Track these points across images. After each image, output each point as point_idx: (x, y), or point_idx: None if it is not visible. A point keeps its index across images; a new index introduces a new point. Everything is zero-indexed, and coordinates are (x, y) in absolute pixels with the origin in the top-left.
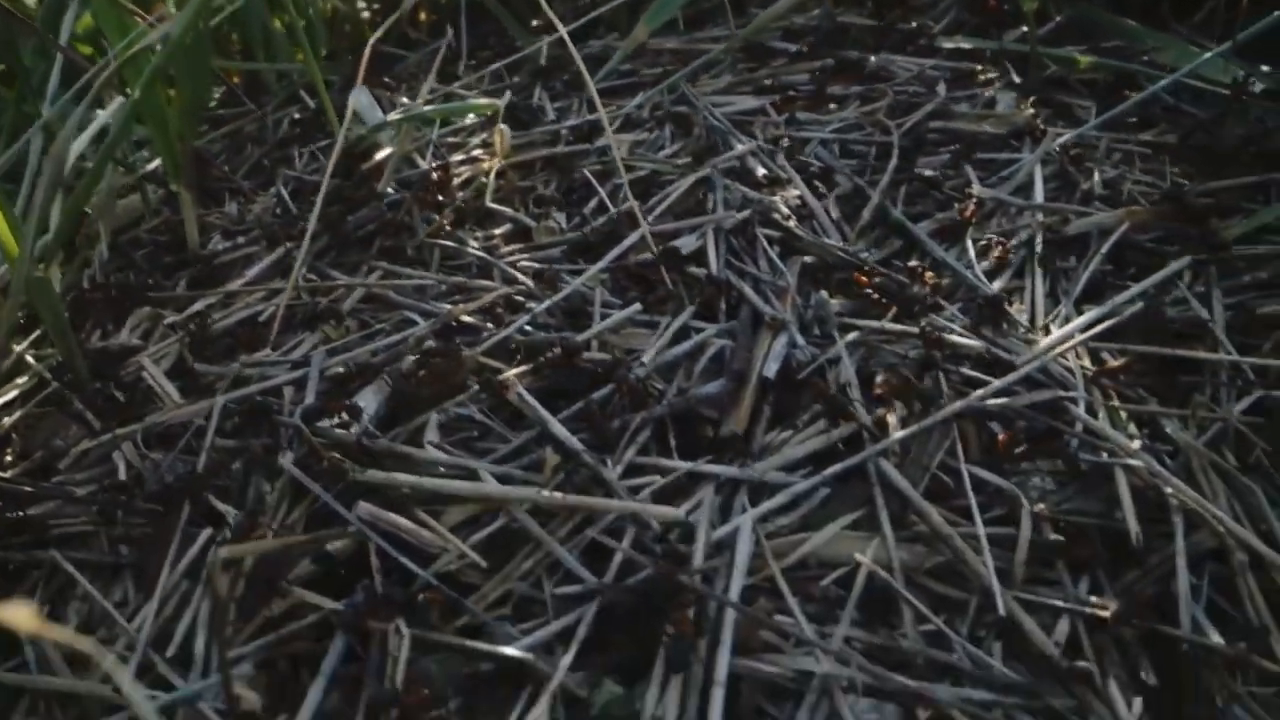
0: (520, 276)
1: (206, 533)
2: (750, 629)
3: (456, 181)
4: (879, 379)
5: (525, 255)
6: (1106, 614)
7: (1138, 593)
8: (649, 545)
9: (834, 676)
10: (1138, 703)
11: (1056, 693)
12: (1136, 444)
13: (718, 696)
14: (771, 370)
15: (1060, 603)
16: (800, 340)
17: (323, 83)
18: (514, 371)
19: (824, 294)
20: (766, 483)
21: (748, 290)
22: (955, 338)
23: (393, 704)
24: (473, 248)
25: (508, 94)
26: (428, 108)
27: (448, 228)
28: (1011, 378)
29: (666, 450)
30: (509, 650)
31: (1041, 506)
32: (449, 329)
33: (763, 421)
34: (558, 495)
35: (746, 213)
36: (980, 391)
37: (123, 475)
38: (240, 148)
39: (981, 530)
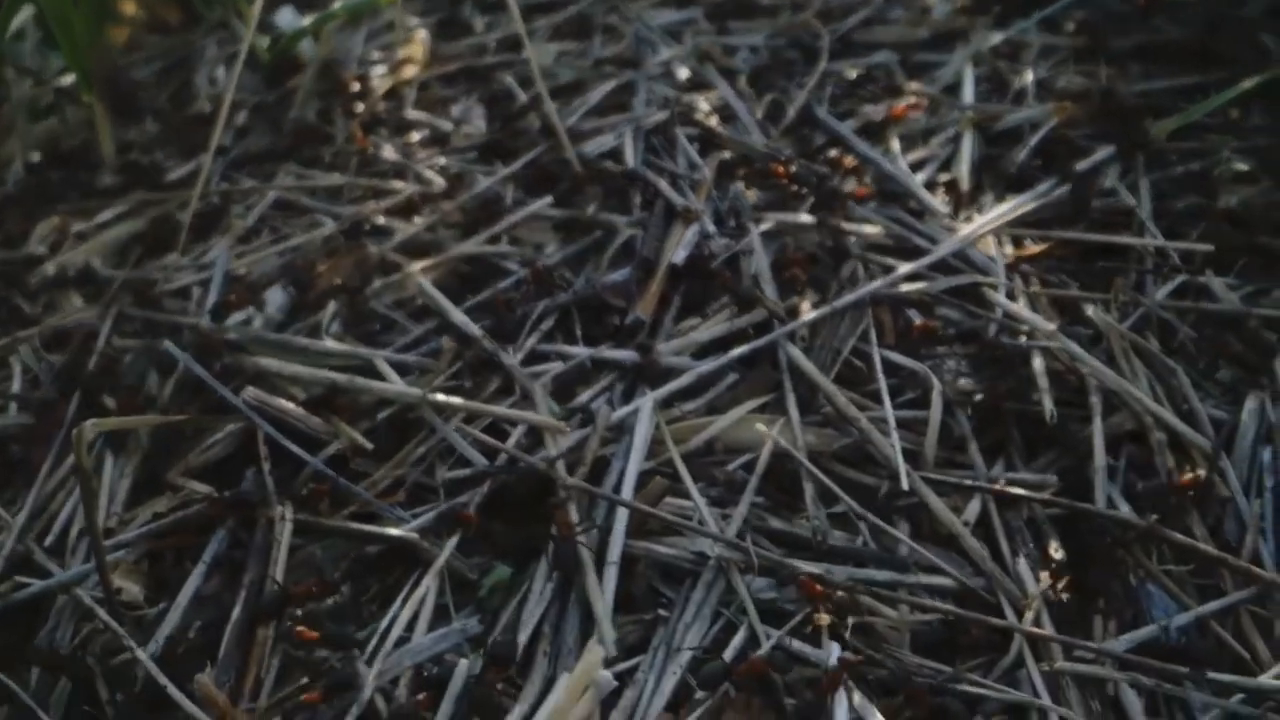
0: (433, 177)
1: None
2: (645, 513)
3: (377, 91)
4: (790, 267)
5: (442, 158)
6: (1019, 492)
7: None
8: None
9: (730, 557)
10: (1044, 577)
11: (964, 571)
12: (1054, 326)
13: (609, 576)
14: (680, 257)
15: (970, 482)
16: (713, 230)
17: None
18: (419, 265)
19: (740, 186)
20: (671, 367)
21: (662, 184)
22: (867, 227)
23: (278, 592)
24: (389, 152)
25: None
26: (337, 4)
27: (366, 134)
28: (925, 261)
29: (572, 338)
30: (396, 532)
31: (954, 389)
32: (358, 228)
33: (672, 309)
34: (439, 396)
35: (667, 113)
36: (892, 275)
37: (18, 377)
38: (167, 69)
39: (890, 413)
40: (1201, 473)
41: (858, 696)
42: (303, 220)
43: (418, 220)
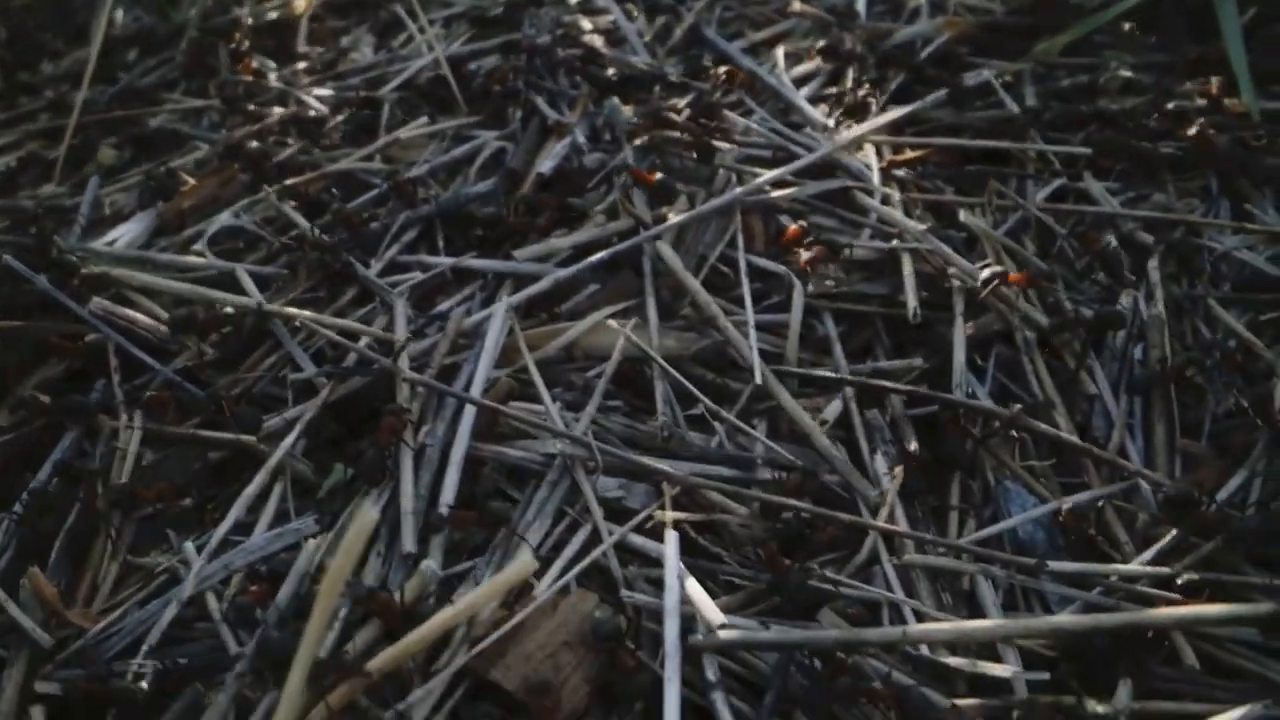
0: (314, 103)
1: None
2: (493, 416)
3: (268, 24)
4: (659, 174)
5: (326, 87)
6: (878, 382)
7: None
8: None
9: (575, 454)
10: (899, 471)
11: (819, 470)
12: (924, 227)
13: (451, 477)
14: (547, 168)
15: (830, 373)
16: (585, 144)
17: None
18: (286, 183)
19: (616, 101)
20: (530, 274)
21: (540, 102)
22: (743, 138)
23: (124, 495)
24: (274, 81)
25: None
26: None
27: (253, 65)
28: (795, 166)
29: (435, 249)
30: (239, 437)
31: (819, 292)
32: (232, 152)
33: (539, 221)
34: (275, 306)
35: (550, 35)
36: (760, 179)
37: None
38: (65, 14)
39: (751, 315)
40: None
41: (693, 583)
42: (182, 148)
43: (292, 143)
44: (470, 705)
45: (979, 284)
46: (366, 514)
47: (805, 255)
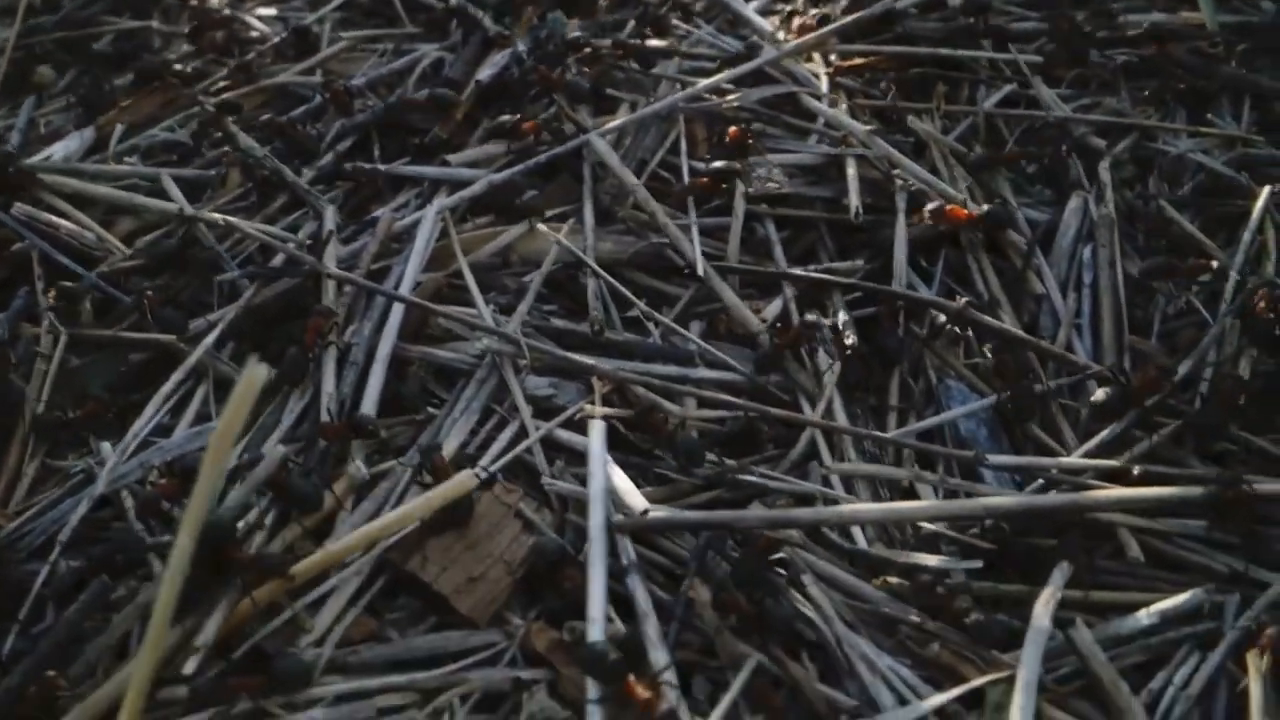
0: (256, 24)
1: None
2: (422, 317)
3: None
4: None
5: (270, 7)
6: (819, 276)
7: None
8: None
9: (504, 352)
10: (836, 366)
11: (761, 368)
12: (869, 127)
13: (376, 376)
14: (485, 76)
15: (772, 269)
16: (526, 55)
17: None
18: (222, 98)
19: (560, 14)
20: (464, 180)
21: (482, 15)
22: (691, 48)
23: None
24: (217, 4)
25: None
26: None
27: None
28: (739, 71)
29: (371, 158)
30: (158, 337)
31: (762, 194)
32: (170, 69)
33: (479, 131)
34: (204, 212)
35: None
36: (702, 84)
37: None
38: None
39: (694, 219)
40: None
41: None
42: (123, 70)
43: (232, 62)
44: (388, 599)
45: (926, 215)
46: (254, 371)
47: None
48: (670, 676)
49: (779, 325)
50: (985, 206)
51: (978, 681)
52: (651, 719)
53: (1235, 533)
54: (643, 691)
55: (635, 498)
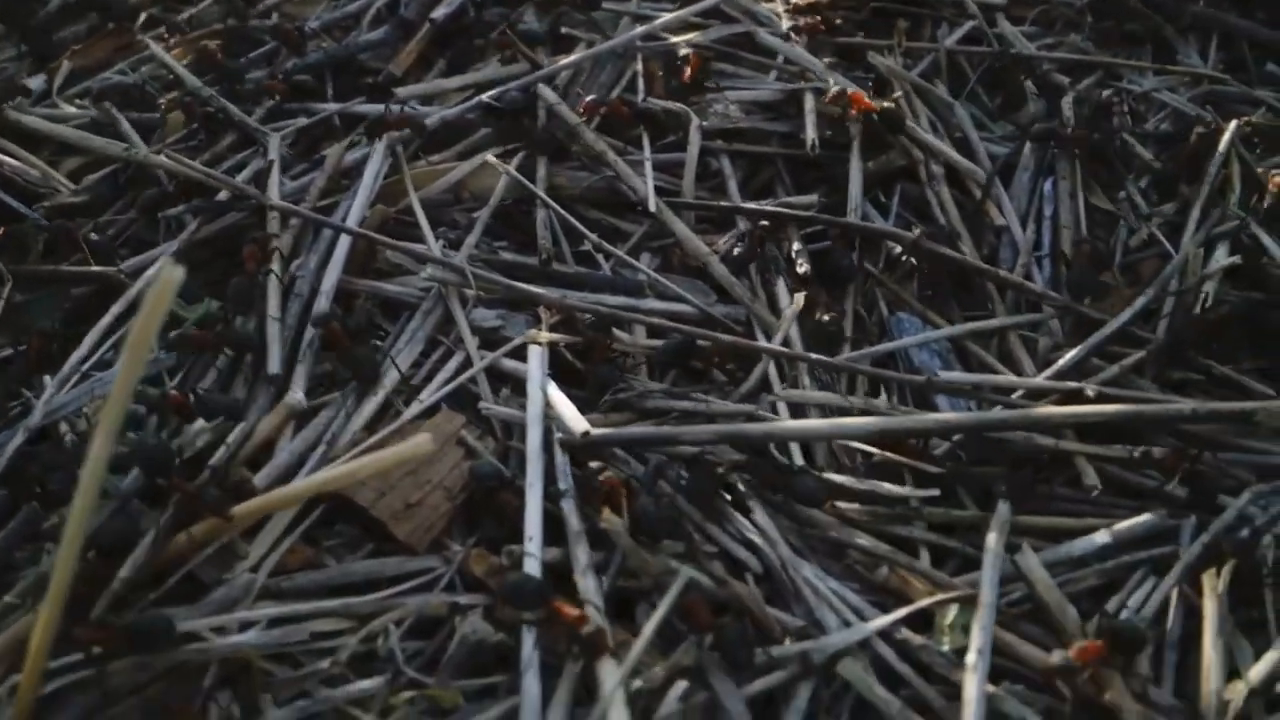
0: None
1: None
2: (369, 250)
3: None
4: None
5: None
6: (776, 210)
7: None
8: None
9: (450, 282)
10: (799, 298)
11: (708, 300)
12: (828, 60)
13: (320, 306)
14: (441, 14)
15: (726, 203)
16: None
17: None
18: (175, 39)
19: None
20: (415, 116)
21: None
22: None
23: None
24: None
25: None
26: None
27: None
28: (693, 9)
29: (323, 97)
30: (102, 270)
31: (718, 130)
32: (124, 12)
33: (435, 70)
34: (143, 151)
35: None
36: (659, 21)
37: None
38: None
39: (647, 154)
40: None
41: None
42: (81, 20)
43: (188, 10)
44: (326, 527)
45: (827, 98)
46: (168, 272)
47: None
48: (597, 599)
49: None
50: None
51: (924, 602)
52: (579, 638)
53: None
54: (570, 611)
55: (576, 420)
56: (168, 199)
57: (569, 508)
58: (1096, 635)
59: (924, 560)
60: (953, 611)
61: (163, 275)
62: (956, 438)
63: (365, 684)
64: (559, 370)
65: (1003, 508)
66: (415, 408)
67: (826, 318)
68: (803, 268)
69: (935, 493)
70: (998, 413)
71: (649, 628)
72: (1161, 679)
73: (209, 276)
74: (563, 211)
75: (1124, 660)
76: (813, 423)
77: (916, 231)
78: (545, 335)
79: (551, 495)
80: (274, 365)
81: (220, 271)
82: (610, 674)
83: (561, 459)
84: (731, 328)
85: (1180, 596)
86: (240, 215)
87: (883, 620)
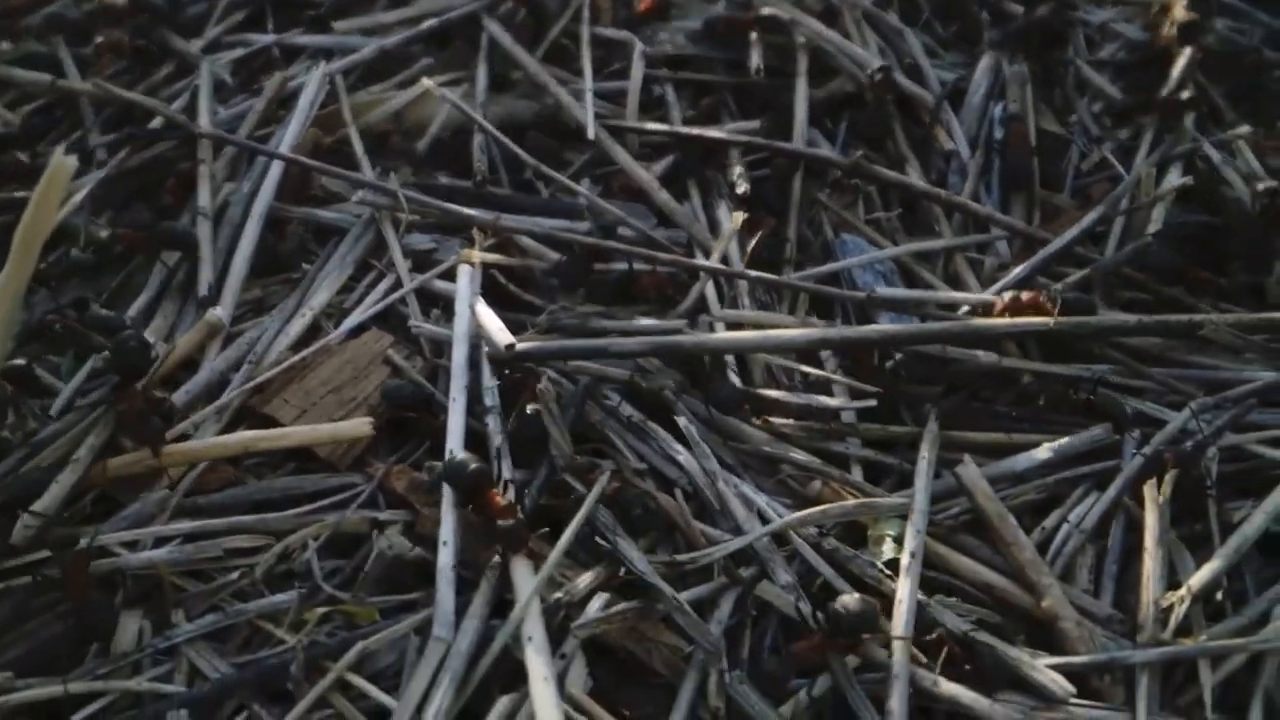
0: None
1: None
2: (304, 177)
3: None
4: None
5: None
6: (718, 135)
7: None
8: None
9: (381, 205)
10: (737, 216)
11: (649, 223)
12: None
13: (251, 230)
14: None
15: (665, 131)
16: None
17: None
18: None
19: None
20: (356, 47)
21: None
22: None
23: None
24: None
25: None
26: None
27: None
28: None
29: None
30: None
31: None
32: None
33: (379, 1)
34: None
35: None
36: None
37: None
38: None
39: (589, 82)
40: None
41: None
42: None
43: None
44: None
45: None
46: (61, 162)
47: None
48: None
49: None
50: None
51: (850, 503)
52: (500, 531)
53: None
54: (499, 499)
55: (502, 334)
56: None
57: (493, 424)
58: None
59: (858, 476)
60: (885, 523)
61: (55, 165)
62: (899, 356)
63: (279, 598)
64: (494, 294)
65: (934, 424)
66: (342, 327)
67: (767, 237)
68: (742, 188)
69: (871, 403)
70: (940, 325)
71: (570, 529)
72: (1101, 591)
73: (140, 207)
74: (502, 137)
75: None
76: (746, 335)
77: (856, 154)
78: (477, 255)
79: (476, 413)
80: (203, 288)
81: (150, 202)
82: (526, 580)
83: (488, 377)
84: (670, 248)
85: (1121, 510)
86: (171, 145)
87: (798, 515)
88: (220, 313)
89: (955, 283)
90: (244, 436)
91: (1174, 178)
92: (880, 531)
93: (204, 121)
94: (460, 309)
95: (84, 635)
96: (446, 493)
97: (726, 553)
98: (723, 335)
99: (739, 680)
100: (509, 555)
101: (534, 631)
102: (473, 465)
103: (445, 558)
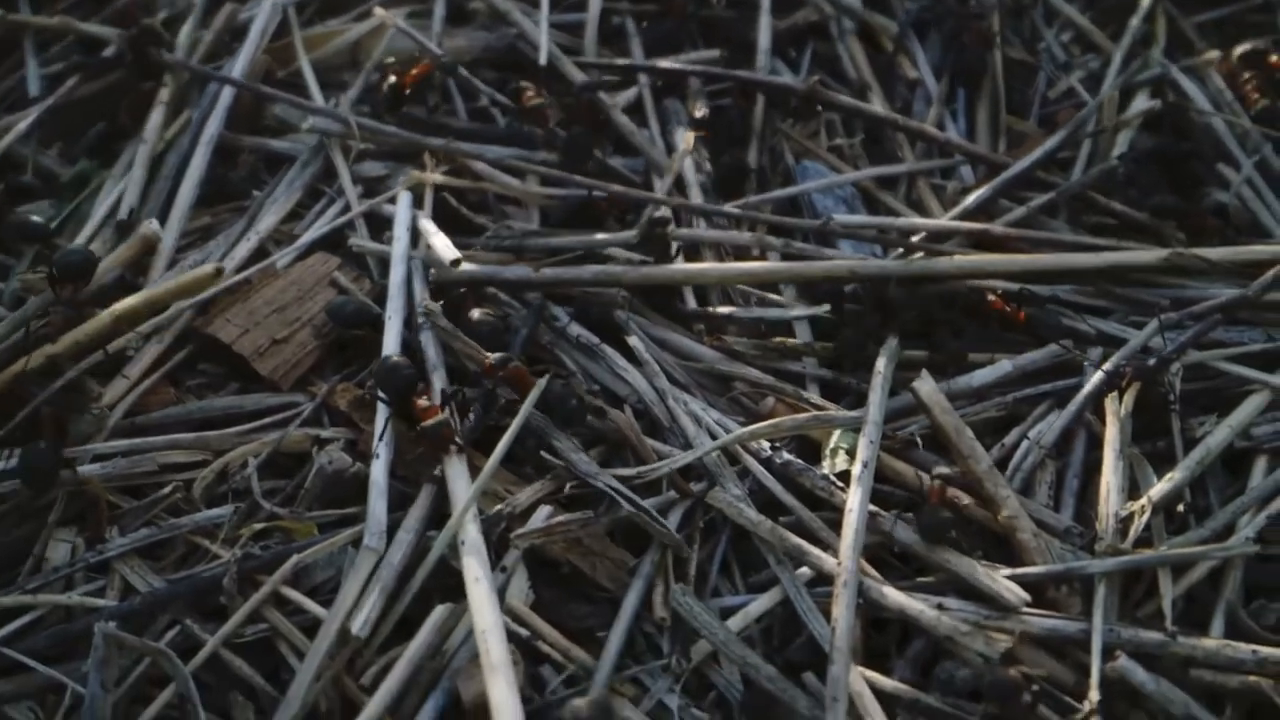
0: None
1: None
2: (256, 106)
3: None
4: None
5: None
6: (675, 66)
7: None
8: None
9: (332, 132)
10: (689, 135)
11: (605, 150)
12: None
13: (198, 158)
14: None
15: (630, 62)
16: None
17: None
18: None
19: None
20: None
21: None
22: None
23: None
24: None
25: None
26: None
27: None
28: None
29: None
30: None
31: None
32: None
33: None
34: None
35: None
36: None
37: None
38: None
39: (545, 12)
40: None
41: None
42: None
43: None
44: (190, 370)
45: None
46: None
47: None
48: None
49: None
50: None
51: (801, 417)
52: (425, 430)
53: None
54: (422, 402)
55: (447, 249)
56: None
57: (427, 339)
58: None
59: (814, 394)
60: (840, 437)
61: None
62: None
63: (214, 512)
64: (447, 218)
65: (893, 341)
66: (288, 249)
67: (728, 163)
68: (700, 113)
69: (823, 309)
70: (901, 262)
71: (508, 435)
72: (1061, 507)
73: (89, 137)
74: (460, 69)
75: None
76: (703, 266)
77: (812, 79)
78: (428, 176)
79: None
80: (124, 211)
81: (101, 132)
82: (462, 486)
83: (422, 293)
84: (630, 179)
85: (1083, 426)
86: (122, 74)
87: (748, 429)
88: (156, 226)
89: (919, 209)
90: (140, 296)
91: (1141, 103)
92: (834, 445)
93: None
94: (399, 229)
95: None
96: (381, 407)
97: (676, 466)
98: (672, 267)
99: (683, 593)
100: (434, 455)
101: (469, 535)
102: (405, 369)
103: (378, 470)
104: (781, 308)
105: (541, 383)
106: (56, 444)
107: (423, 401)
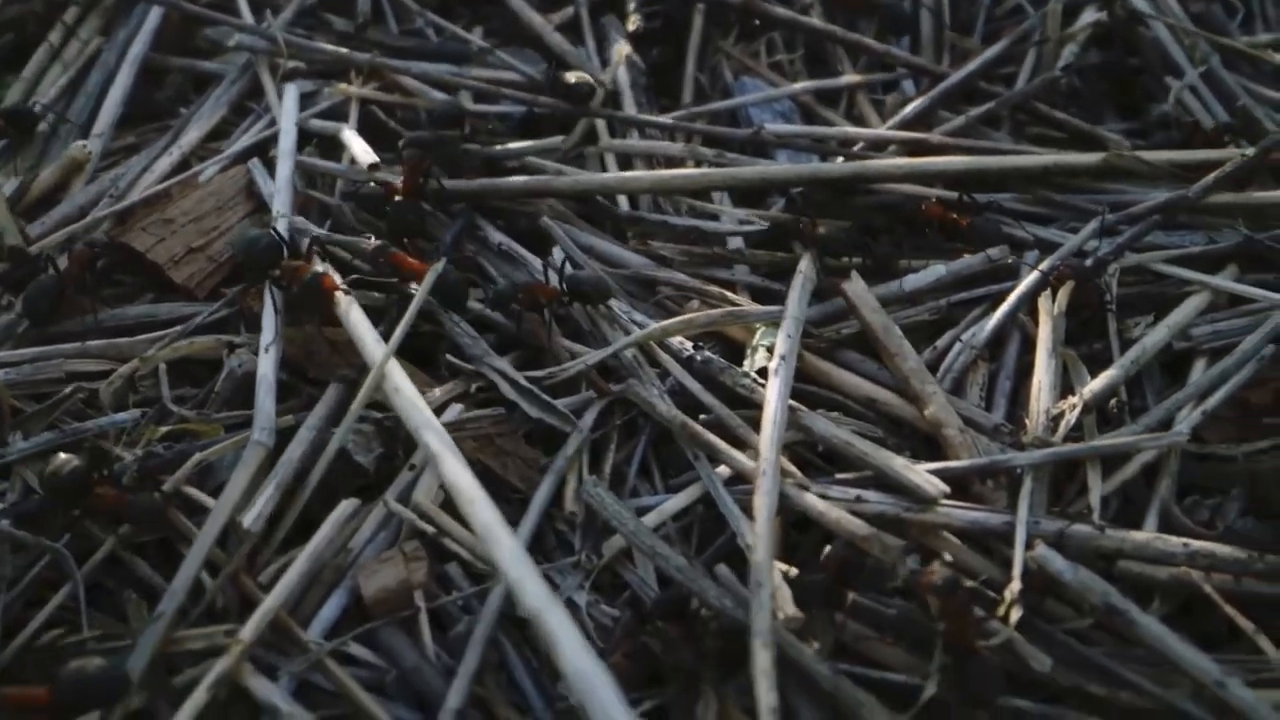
0: None
1: None
2: (185, 27)
3: None
4: None
5: None
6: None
7: None
8: None
9: (259, 50)
10: (623, 45)
11: (538, 68)
12: None
13: (124, 76)
14: None
15: None
16: None
17: None
18: None
19: None
20: None
21: None
22: None
23: None
24: None
25: None
26: None
27: None
28: None
29: None
30: None
31: None
32: None
33: None
34: None
35: None
36: None
37: None
38: None
39: None
40: None
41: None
42: None
43: None
44: (105, 280)
45: None
46: None
47: None
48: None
49: None
50: None
51: (717, 312)
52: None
53: None
54: (292, 263)
55: (365, 154)
56: None
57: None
58: None
59: (745, 301)
60: (763, 335)
61: None
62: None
63: (119, 417)
64: (375, 133)
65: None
66: (210, 162)
67: (664, 75)
68: (634, 25)
69: (755, 226)
70: (833, 165)
71: (407, 314)
72: (993, 407)
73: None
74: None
75: None
76: (635, 174)
77: None
78: (352, 90)
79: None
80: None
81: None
82: (370, 338)
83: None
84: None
85: (1017, 327)
86: None
87: (662, 324)
88: (86, 145)
89: (860, 124)
90: None
91: (1089, 15)
92: (756, 343)
93: None
94: (285, 125)
95: None
96: (268, 304)
97: (590, 364)
98: (604, 175)
99: (595, 484)
100: (323, 307)
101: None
102: (263, 239)
103: (265, 365)
104: (715, 220)
105: (438, 266)
106: None
107: (292, 263)
